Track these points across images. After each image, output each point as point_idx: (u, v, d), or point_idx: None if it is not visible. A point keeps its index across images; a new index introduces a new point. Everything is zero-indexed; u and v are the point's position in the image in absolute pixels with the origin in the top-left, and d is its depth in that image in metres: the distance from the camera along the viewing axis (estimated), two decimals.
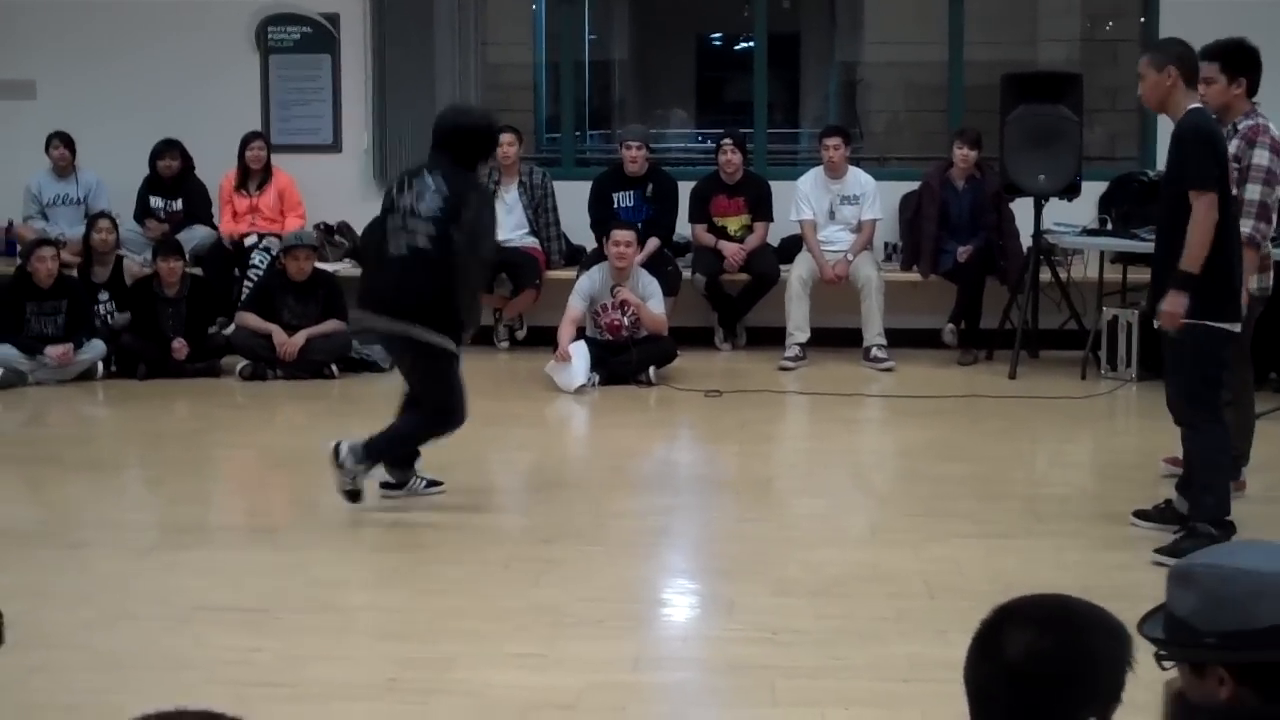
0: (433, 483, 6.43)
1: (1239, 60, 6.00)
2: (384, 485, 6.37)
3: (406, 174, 6.27)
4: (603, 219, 9.77)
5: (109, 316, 9.68)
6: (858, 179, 10.03)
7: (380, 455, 6.16)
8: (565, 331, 8.91)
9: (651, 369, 8.99)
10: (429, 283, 5.99)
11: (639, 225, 9.74)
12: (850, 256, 9.80)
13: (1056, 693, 2.11)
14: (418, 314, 6.01)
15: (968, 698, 2.18)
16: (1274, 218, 6.09)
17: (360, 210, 10.52)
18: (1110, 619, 2.19)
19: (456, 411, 6.16)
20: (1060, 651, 2.12)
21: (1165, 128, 6.20)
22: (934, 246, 9.76)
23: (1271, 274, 6.40)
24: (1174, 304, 5.42)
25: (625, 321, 9.07)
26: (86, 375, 9.25)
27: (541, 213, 10.13)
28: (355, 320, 6.31)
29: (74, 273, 9.68)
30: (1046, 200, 9.29)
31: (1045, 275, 9.47)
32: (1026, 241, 9.45)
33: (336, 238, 10.50)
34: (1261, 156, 5.96)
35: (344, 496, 6.09)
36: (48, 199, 10.47)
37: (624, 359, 8.99)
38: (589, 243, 10.02)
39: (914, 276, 9.90)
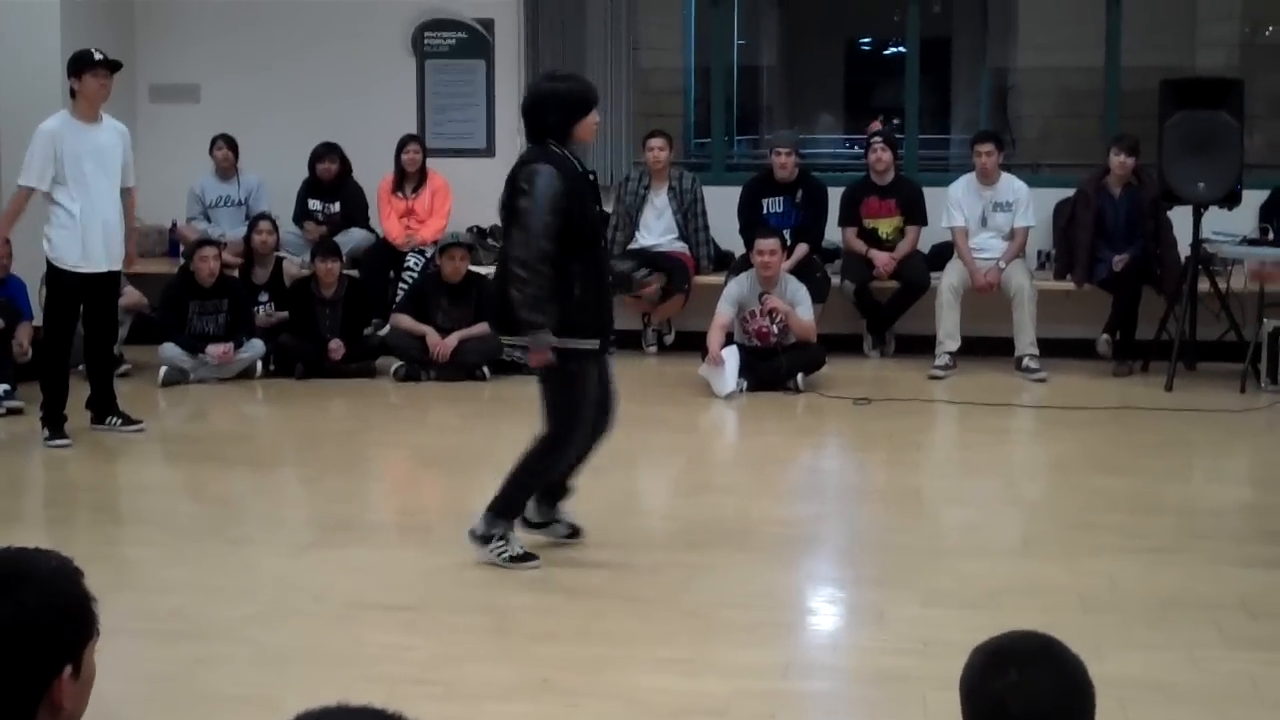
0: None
1: None
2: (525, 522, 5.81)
3: None
4: (752, 224, 9.77)
5: (269, 317, 9.90)
6: (1010, 185, 9.92)
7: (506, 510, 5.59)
8: (715, 337, 8.91)
9: (800, 376, 8.97)
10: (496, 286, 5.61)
11: (787, 232, 9.75)
12: (1002, 264, 9.70)
13: None
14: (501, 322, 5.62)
15: None
16: None
17: None
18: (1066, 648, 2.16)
19: (573, 431, 5.53)
20: (1055, 686, 2.07)
21: None
22: (1089, 255, 9.61)
23: None
24: None
25: (774, 328, 9.06)
26: (246, 374, 9.48)
27: (691, 218, 10.17)
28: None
29: (235, 273, 9.92)
30: (1206, 209, 9.10)
31: (1204, 285, 9.28)
32: (1185, 251, 9.28)
33: (489, 241, 10.63)
34: None
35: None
36: (210, 200, 10.71)
37: (772, 365, 8.99)
38: (738, 248, 10.01)
39: (1068, 285, 9.76)
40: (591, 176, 5.56)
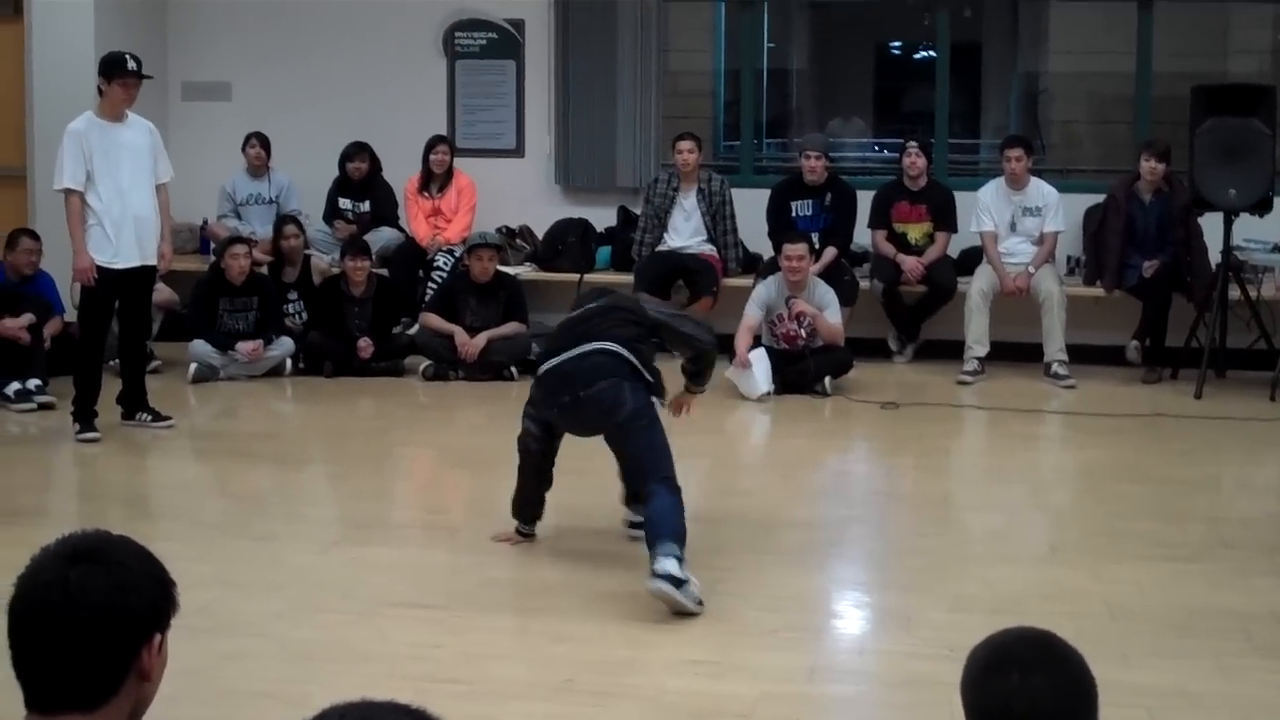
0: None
1: None
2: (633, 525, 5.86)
3: None
4: (780, 228, 9.76)
5: (297, 316, 9.93)
6: (1040, 190, 9.89)
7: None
8: (743, 340, 8.91)
9: (827, 379, 8.96)
10: None
11: (816, 235, 9.74)
12: (1032, 269, 9.67)
13: None
14: None
15: None
16: None
17: (542, 214, 10.70)
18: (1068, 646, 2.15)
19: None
20: (1059, 685, 2.07)
21: None
22: (1118, 261, 9.58)
23: None
24: None
25: (801, 332, 9.05)
26: (275, 371, 9.52)
27: (719, 220, 10.15)
28: None
29: (265, 271, 9.95)
30: (1236, 215, 9.06)
31: (1234, 293, 9.24)
32: (1215, 258, 9.24)
33: (518, 241, 10.65)
34: None
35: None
36: (241, 198, 10.75)
37: (800, 369, 8.98)
38: (766, 250, 10.00)
39: (1097, 291, 9.73)
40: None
